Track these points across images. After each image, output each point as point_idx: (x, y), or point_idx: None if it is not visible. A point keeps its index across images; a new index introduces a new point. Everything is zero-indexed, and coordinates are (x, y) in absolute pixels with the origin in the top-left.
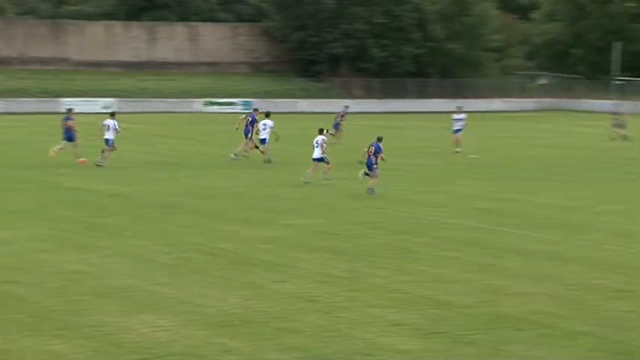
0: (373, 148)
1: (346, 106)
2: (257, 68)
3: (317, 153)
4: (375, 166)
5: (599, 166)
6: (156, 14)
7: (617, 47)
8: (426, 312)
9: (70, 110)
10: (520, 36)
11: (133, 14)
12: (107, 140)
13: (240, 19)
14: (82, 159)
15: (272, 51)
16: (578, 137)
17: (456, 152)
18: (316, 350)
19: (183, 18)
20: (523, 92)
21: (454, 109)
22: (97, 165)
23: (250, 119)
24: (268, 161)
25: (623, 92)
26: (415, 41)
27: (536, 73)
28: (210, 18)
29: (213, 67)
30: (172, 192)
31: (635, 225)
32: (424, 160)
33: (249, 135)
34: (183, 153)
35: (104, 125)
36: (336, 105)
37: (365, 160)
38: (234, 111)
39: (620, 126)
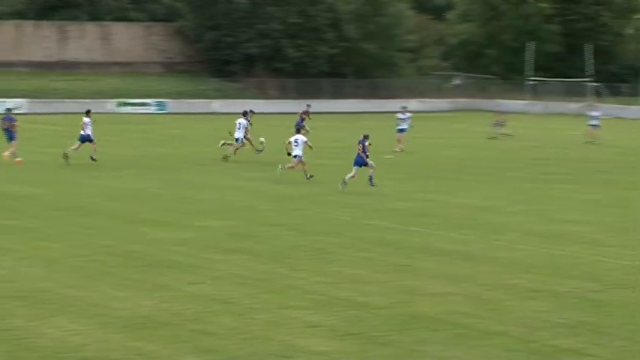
0: (362, 145)
1: (308, 105)
2: (170, 68)
3: (296, 151)
4: (368, 160)
5: (512, 166)
6: (67, 13)
7: (531, 48)
8: (342, 313)
9: (9, 110)
10: (435, 36)
11: (43, 13)
12: (87, 136)
13: (153, 18)
14: (18, 159)
15: (185, 51)
16: (486, 138)
17: (395, 152)
18: (232, 352)
19: (95, 17)
20: (438, 92)
21: (399, 109)
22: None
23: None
24: (225, 158)
25: (536, 92)
26: (330, 41)
27: (451, 73)
28: (122, 17)
29: (126, 68)
30: (85, 194)
31: (548, 225)
32: (339, 160)
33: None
34: (97, 154)
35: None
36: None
37: (355, 158)
38: (148, 112)
39: (501, 125)
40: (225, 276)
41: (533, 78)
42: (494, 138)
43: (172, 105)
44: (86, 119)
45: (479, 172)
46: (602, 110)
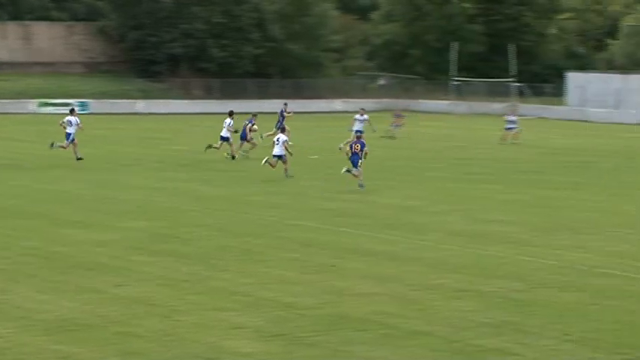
0: (359, 144)
1: (285, 104)
2: (93, 68)
3: (277, 150)
4: (360, 161)
5: (435, 166)
6: None
7: (454, 48)
8: (269, 314)
9: None
10: (360, 36)
11: None
12: (68, 135)
13: (75, 17)
14: None
15: (108, 51)
16: (417, 137)
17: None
18: (157, 355)
19: (16, 17)
20: (363, 93)
21: (357, 110)
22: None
23: (248, 122)
24: (231, 157)
25: (460, 92)
26: (255, 41)
27: (375, 73)
28: (44, 17)
29: (48, 68)
30: (7, 195)
31: (472, 225)
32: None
33: (246, 137)
34: (19, 155)
35: (66, 121)
36: (174, 106)
37: (350, 157)
38: None
39: (398, 126)
40: (150, 278)
41: (457, 78)
42: (391, 137)
43: (95, 105)
44: (71, 118)
45: (402, 172)
46: (526, 110)
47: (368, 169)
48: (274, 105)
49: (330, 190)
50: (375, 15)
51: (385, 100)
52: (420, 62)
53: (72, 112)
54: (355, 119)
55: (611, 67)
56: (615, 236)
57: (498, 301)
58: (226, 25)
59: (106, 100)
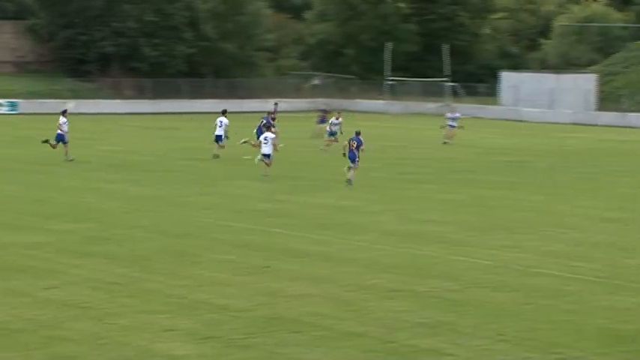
0: (355, 142)
1: (276, 104)
2: (22, 68)
3: (266, 149)
4: (357, 159)
5: (371, 166)
6: None
7: (389, 47)
8: (202, 316)
9: None
10: (293, 36)
11: None
12: (62, 136)
13: (4, 16)
14: None
15: (38, 50)
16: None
17: (322, 149)
18: (88, 358)
19: None
20: (297, 92)
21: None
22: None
23: (264, 121)
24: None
25: (395, 92)
26: (188, 40)
27: (310, 73)
28: None
29: None
30: None
31: (407, 225)
32: (198, 161)
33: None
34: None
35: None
36: (105, 106)
37: (348, 154)
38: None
39: (322, 122)
40: (81, 280)
41: (391, 78)
42: (316, 136)
43: (24, 105)
44: (62, 119)
45: (336, 172)
46: (460, 110)
47: (302, 169)
48: (208, 105)
49: (264, 190)
50: (308, 14)
51: (320, 100)
52: (354, 62)
53: (64, 113)
54: (331, 122)
55: (544, 66)
56: (550, 236)
57: (432, 301)
58: (158, 24)
59: (35, 100)
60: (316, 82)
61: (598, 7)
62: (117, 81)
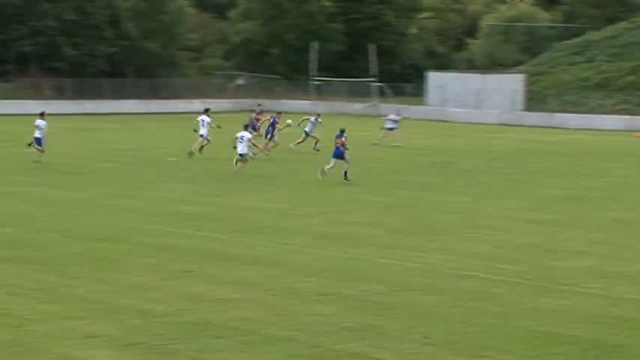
0: (341, 139)
1: (259, 105)
2: None
3: (241, 148)
4: (346, 154)
5: (300, 168)
6: None
7: (315, 47)
8: (124, 322)
9: None
10: (217, 35)
11: None
12: (37, 139)
13: None
14: None
15: None
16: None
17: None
18: None
19: None
20: (222, 93)
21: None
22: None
23: (272, 121)
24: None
25: (321, 92)
26: (109, 39)
27: (234, 73)
28: None
29: None
30: None
31: (337, 228)
32: (121, 164)
33: (269, 135)
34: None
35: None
36: (24, 106)
37: (334, 151)
38: None
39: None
40: None
41: (317, 78)
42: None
43: None
44: (39, 121)
45: (265, 174)
46: (387, 110)
47: (231, 172)
48: (130, 105)
49: (189, 193)
50: (233, 13)
51: (244, 101)
52: (279, 61)
53: (42, 115)
54: (310, 121)
55: (471, 66)
56: (477, 238)
57: (361, 305)
58: (78, 23)
59: None
60: (241, 82)
61: (525, 7)
62: (36, 81)
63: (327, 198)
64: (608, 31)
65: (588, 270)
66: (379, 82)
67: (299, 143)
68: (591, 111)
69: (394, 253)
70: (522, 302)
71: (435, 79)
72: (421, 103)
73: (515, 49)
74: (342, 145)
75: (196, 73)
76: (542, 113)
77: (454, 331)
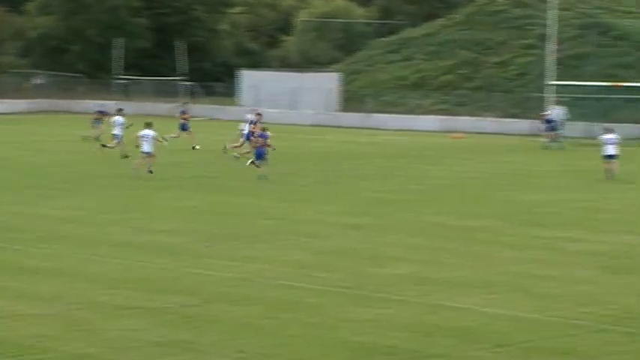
0: (262, 139)
1: (185, 103)
2: None
3: (145, 147)
4: (267, 155)
5: (101, 173)
6: None
7: (119, 44)
8: None
9: None
10: (12, 30)
11: None
12: None
13: None
14: None
15: None
16: (74, 141)
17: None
18: None
19: None
20: (18, 93)
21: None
22: None
23: (251, 121)
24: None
25: (126, 92)
26: None
27: (31, 71)
28: None
29: None
30: None
31: (142, 236)
32: None
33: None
34: None
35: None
36: None
37: (255, 151)
38: None
39: (94, 126)
40: None
41: (122, 76)
42: (95, 138)
43: None
44: None
45: (63, 180)
46: (197, 111)
47: (26, 178)
48: None
49: None
50: (29, 6)
51: (42, 101)
52: (81, 59)
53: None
54: (248, 120)
55: (285, 64)
56: (293, 244)
57: (168, 318)
58: None
59: None
60: (38, 81)
61: (340, 2)
62: None
63: (129, 204)
64: (425, 28)
65: (409, 277)
66: (189, 80)
67: (236, 147)
68: (410, 111)
69: (204, 263)
70: (340, 312)
71: (248, 77)
72: (233, 104)
73: (330, 47)
74: (264, 145)
75: None
76: (359, 114)
77: (269, 344)
